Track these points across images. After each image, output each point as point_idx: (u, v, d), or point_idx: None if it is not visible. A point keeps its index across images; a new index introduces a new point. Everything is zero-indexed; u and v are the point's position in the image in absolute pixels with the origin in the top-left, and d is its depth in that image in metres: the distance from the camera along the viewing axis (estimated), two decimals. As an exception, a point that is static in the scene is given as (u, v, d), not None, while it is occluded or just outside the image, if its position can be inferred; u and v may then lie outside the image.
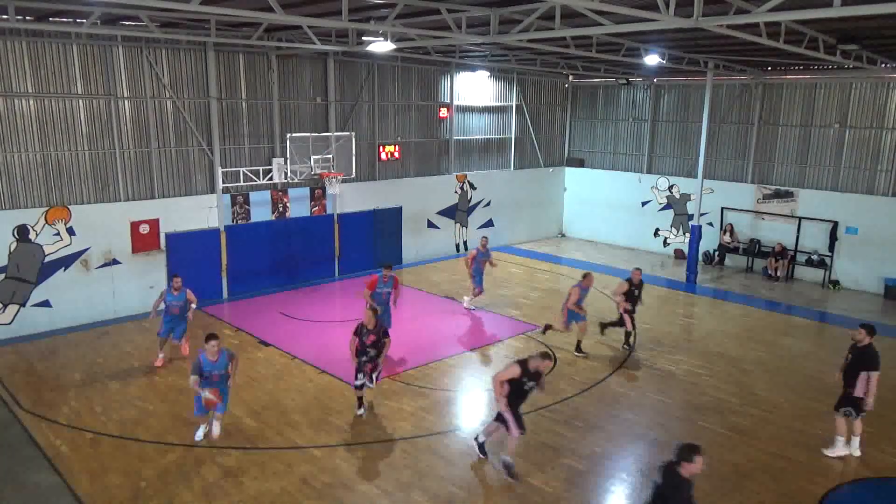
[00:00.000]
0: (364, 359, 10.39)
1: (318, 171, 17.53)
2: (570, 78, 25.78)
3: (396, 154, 20.71)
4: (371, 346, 10.32)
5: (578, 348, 13.70)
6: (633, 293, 13.79)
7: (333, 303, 17.43)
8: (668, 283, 19.93)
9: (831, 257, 19.85)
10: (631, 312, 13.82)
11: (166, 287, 12.89)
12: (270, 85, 17.52)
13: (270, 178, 17.41)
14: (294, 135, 17.35)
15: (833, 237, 19.74)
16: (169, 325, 12.68)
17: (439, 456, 9.65)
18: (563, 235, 26.81)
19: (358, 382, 10.51)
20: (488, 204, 23.81)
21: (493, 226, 24.09)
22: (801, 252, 20.51)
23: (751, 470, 9.44)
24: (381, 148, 20.32)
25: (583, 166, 26.18)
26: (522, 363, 8.91)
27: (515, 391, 8.93)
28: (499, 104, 23.79)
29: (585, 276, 13.72)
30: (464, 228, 23.23)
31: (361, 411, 10.72)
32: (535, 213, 25.74)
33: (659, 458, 9.71)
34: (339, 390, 11.77)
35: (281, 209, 18.25)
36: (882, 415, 11.25)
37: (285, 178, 17.41)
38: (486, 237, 17.03)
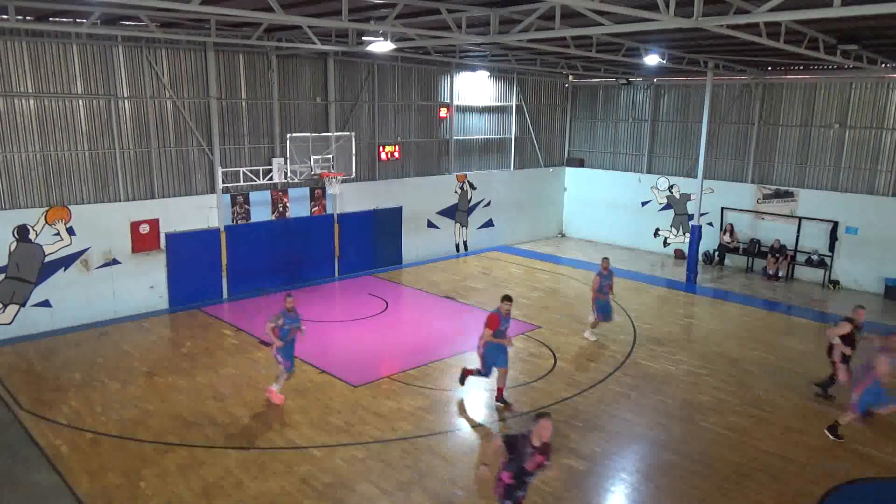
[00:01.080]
0: (520, 493, 6.96)
1: (318, 171, 17.51)
2: (570, 78, 25.78)
3: (396, 154, 20.70)
4: (535, 470, 6.90)
5: (833, 429, 10.49)
6: (853, 337, 11.33)
7: (333, 303, 17.43)
8: (668, 283, 19.94)
9: (831, 257, 19.85)
10: (848, 360, 11.41)
11: (280, 311, 10.93)
12: (270, 85, 17.52)
13: (270, 178, 17.41)
14: (294, 135, 17.34)
15: (833, 237, 19.74)
16: (291, 353, 11.10)
17: (439, 456, 9.65)
18: (563, 235, 26.81)
19: None
20: (488, 204, 23.82)
21: (493, 226, 24.11)
22: (801, 252, 20.52)
23: (751, 470, 9.43)
24: (381, 148, 20.32)
25: (583, 166, 26.18)
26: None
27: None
28: (499, 104, 23.78)
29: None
30: (464, 228, 23.24)
31: None
32: (535, 213, 25.74)
33: (659, 458, 9.77)
34: (339, 390, 11.78)
35: (281, 209, 18.24)
36: (881, 415, 11.27)
37: (285, 178, 17.40)
38: (607, 258, 14.65)
